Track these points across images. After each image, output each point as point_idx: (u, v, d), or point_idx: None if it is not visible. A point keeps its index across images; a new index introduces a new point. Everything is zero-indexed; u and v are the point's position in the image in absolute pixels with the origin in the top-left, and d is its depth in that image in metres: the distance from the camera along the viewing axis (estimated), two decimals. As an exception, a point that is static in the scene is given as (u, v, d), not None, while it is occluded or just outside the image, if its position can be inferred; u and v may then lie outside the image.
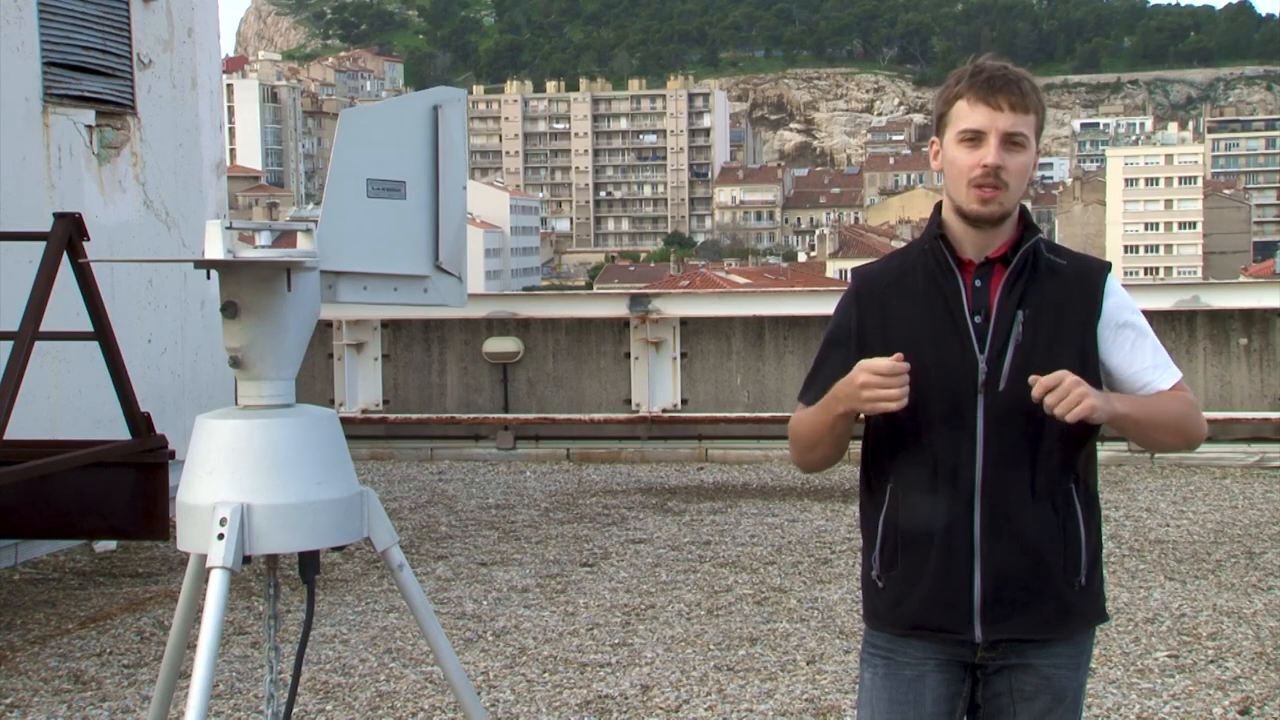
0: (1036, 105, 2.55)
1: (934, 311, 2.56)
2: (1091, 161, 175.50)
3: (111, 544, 7.94)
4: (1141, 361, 2.59)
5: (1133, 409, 2.52)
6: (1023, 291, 2.55)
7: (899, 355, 2.45)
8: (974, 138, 2.52)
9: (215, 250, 2.85)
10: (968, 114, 2.53)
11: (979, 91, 2.52)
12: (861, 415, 2.57)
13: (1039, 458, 2.53)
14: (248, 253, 2.93)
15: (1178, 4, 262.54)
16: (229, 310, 2.93)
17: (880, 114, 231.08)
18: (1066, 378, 2.41)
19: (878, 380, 2.44)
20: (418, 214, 3.19)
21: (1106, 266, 2.66)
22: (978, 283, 2.56)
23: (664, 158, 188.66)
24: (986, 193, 2.51)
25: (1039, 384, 2.41)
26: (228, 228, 2.89)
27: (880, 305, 2.60)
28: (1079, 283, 2.59)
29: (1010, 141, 2.51)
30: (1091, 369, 2.54)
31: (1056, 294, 2.56)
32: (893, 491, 2.61)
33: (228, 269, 2.92)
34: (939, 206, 2.64)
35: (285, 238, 3.25)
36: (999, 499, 2.52)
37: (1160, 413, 2.56)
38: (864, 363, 2.47)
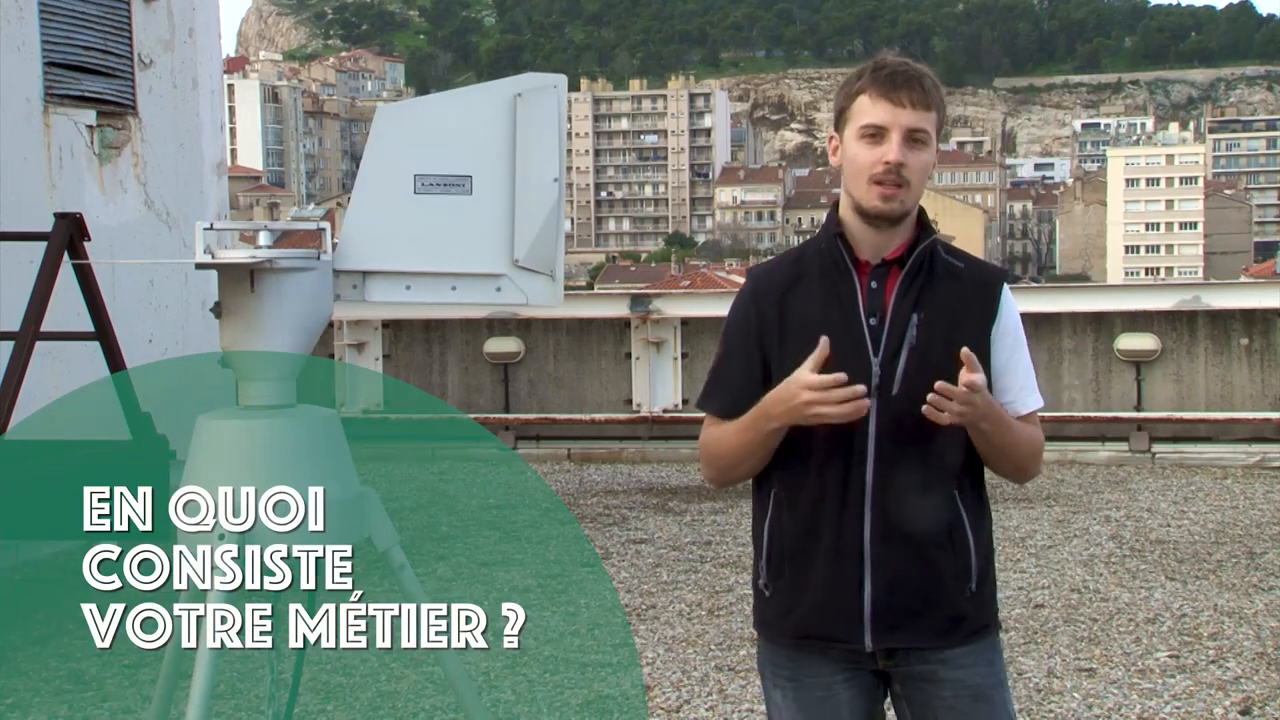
0: (938, 103, 2.51)
1: (829, 313, 2.50)
2: (1092, 162, 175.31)
3: (112, 544, 7.92)
4: (1013, 377, 2.55)
5: (995, 430, 2.46)
6: (918, 294, 2.50)
7: (825, 343, 2.38)
8: (875, 134, 2.47)
9: (197, 251, 2.85)
10: (869, 109, 2.48)
11: (881, 87, 2.47)
12: None
13: (930, 462, 2.48)
14: (225, 254, 2.92)
15: (1179, 4, 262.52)
16: (216, 310, 2.94)
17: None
18: (976, 398, 2.36)
19: (820, 397, 2.37)
20: (490, 209, 3.05)
21: (1004, 274, 2.62)
22: (873, 284, 2.51)
23: (665, 158, 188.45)
24: (888, 190, 2.46)
25: (956, 390, 2.36)
26: (206, 229, 2.88)
27: (777, 304, 2.53)
28: (976, 288, 2.55)
29: (912, 138, 2.46)
30: (986, 374, 2.47)
31: (953, 297, 2.51)
32: (777, 497, 2.55)
33: (216, 269, 2.93)
34: (836, 204, 2.58)
35: (286, 238, 3.23)
36: (890, 504, 2.47)
37: (1015, 444, 2.52)
38: (801, 378, 2.39)
